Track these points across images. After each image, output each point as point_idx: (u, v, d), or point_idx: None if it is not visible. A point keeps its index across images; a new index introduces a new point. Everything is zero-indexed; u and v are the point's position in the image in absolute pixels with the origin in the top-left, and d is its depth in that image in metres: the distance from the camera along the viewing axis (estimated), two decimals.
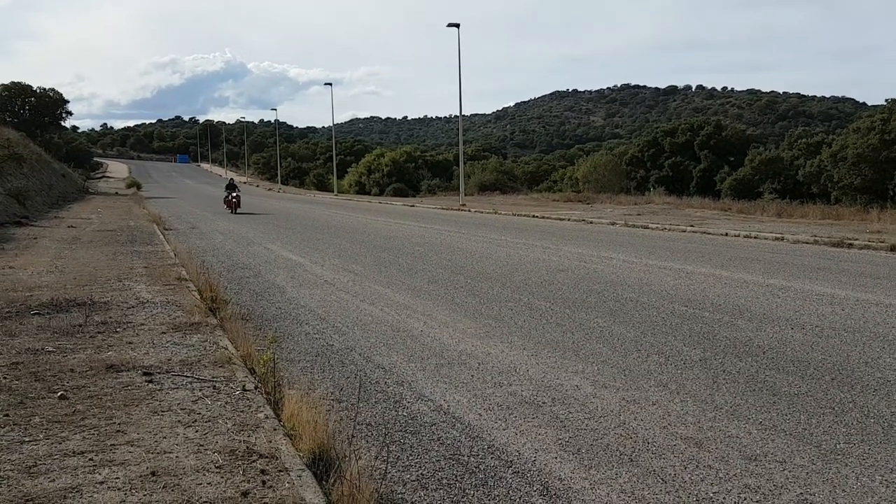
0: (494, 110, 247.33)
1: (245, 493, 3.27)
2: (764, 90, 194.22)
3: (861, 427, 4.54)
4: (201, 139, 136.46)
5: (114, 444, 3.83)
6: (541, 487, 3.76)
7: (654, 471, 3.94)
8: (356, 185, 62.13)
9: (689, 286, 9.87)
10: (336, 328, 7.54)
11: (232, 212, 29.05)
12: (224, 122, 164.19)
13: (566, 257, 13.40)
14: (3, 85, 59.02)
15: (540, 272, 11.43)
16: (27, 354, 5.67)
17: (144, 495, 3.24)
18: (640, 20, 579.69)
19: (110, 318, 7.12)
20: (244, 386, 4.88)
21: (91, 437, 3.93)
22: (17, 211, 21.04)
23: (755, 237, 16.77)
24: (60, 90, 62.59)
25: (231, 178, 34.85)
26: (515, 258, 13.37)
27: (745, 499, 3.61)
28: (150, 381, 4.96)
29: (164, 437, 3.94)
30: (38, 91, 59.74)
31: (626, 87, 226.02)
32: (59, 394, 4.65)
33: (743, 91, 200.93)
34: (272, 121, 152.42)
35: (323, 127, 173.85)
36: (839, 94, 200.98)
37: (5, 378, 5.02)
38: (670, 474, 3.89)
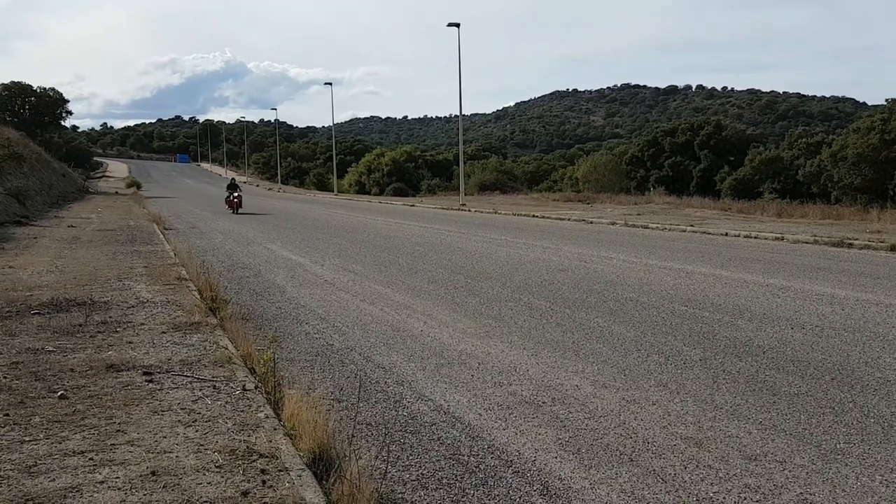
0: (494, 110, 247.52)
1: (245, 493, 3.27)
2: (764, 90, 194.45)
3: (861, 427, 4.54)
4: (201, 139, 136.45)
5: (114, 444, 3.83)
6: (541, 487, 3.76)
7: (654, 470, 3.94)
8: (356, 185, 62.13)
9: (689, 286, 9.87)
10: (336, 328, 7.55)
11: (233, 212, 28.71)
12: (224, 122, 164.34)
13: (566, 257, 13.40)
14: (2, 84, 59.09)
15: (540, 272, 11.43)
16: (27, 354, 5.68)
17: (144, 495, 3.24)
18: (640, 20, 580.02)
19: (110, 317, 7.12)
20: (244, 385, 4.88)
21: (91, 437, 3.93)
22: (17, 210, 21.04)
23: (755, 237, 16.77)
24: (60, 90, 62.52)
25: (232, 178, 34.34)
26: (515, 258, 13.37)
27: (746, 498, 3.61)
28: (151, 381, 4.97)
29: (165, 437, 3.94)
30: (37, 91, 59.78)
31: (626, 86, 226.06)
32: (59, 393, 4.65)
33: (743, 91, 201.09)
34: (272, 120, 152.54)
35: (323, 126, 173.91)
36: (839, 94, 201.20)
37: (5, 378, 5.02)
38: (670, 474, 3.89)
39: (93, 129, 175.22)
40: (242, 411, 4.39)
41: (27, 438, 3.91)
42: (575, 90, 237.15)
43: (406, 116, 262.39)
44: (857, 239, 14.90)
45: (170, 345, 6.04)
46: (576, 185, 45.86)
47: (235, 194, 29.40)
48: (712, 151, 44.82)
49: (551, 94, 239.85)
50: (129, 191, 47.02)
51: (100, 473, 3.47)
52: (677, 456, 4.12)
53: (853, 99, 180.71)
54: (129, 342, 6.12)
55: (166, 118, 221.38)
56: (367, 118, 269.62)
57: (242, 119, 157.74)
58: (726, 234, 17.50)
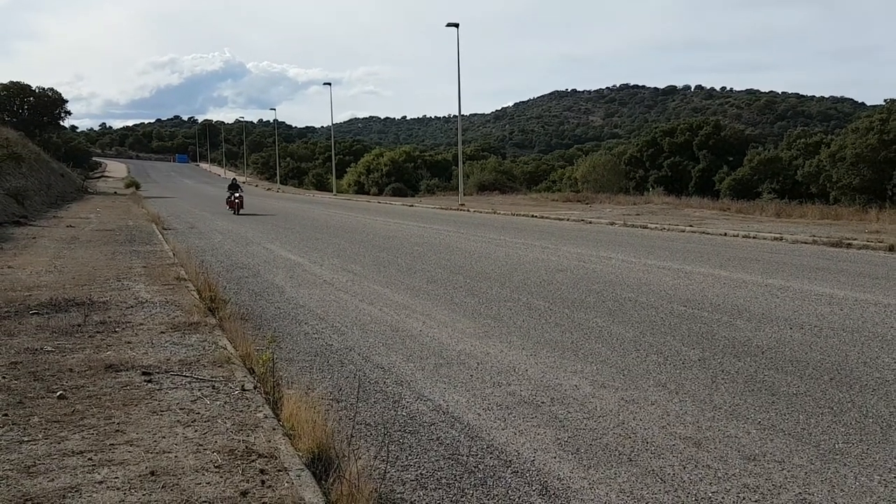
0: (493, 110, 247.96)
1: (244, 493, 3.27)
2: (763, 90, 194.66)
3: (859, 427, 4.55)
4: (200, 139, 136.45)
5: (113, 444, 3.83)
6: (540, 487, 3.76)
7: (653, 470, 3.94)
8: (355, 185, 62.13)
9: (687, 286, 9.88)
10: (335, 328, 7.55)
11: (234, 213, 28.24)
12: (223, 122, 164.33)
13: (565, 257, 13.41)
14: (1, 84, 59.04)
15: (539, 272, 11.43)
16: (26, 354, 5.67)
17: (143, 495, 3.24)
18: (640, 20, 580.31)
19: (109, 317, 7.12)
20: (243, 386, 4.88)
21: (90, 437, 3.93)
22: (16, 210, 21.02)
23: (754, 237, 16.79)
24: (59, 90, 62.85)
25: (234, 178, 33.66)
26: (514, 258, 13.37)
27: (744, 498, 3.61)
28: (149, 381, 4.96)
29: (163, 437, 3.94)
30: (36, 91, 59.75)
31: (625, 87, 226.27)
32: (58, 393, 4.65)
33: (742, 91, 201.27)
34: (271, 120, 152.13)
35: (322, 127, 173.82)
36: (838, 95, 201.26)
37: (4, 378, 5.02)
38: (669, 474, 3.89)
39: (92, 129, 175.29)
40: (241, 411, 4.39)
41: (26, 438, 3.91)
42: (574, 90, 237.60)
43: (405, 117, 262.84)
44: (855, 239, 14.91)
45: (169, 345, 6.04)
46: (575, 186, 45.89)
47: (237, 195, 28.88)
48: (711, 152, 44.86)
49: (550, 94, 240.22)
50: (128, 191, 47.01)
51: (99, 473, 3.47)
52: (676, 456, 4.13)
53: (852, 99, 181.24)
54: (128, 342, 6.11)
55: (165, 118, 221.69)
56: (366, 118, 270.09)
57: (241, 119, 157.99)
58: (725, 235, 17.51)
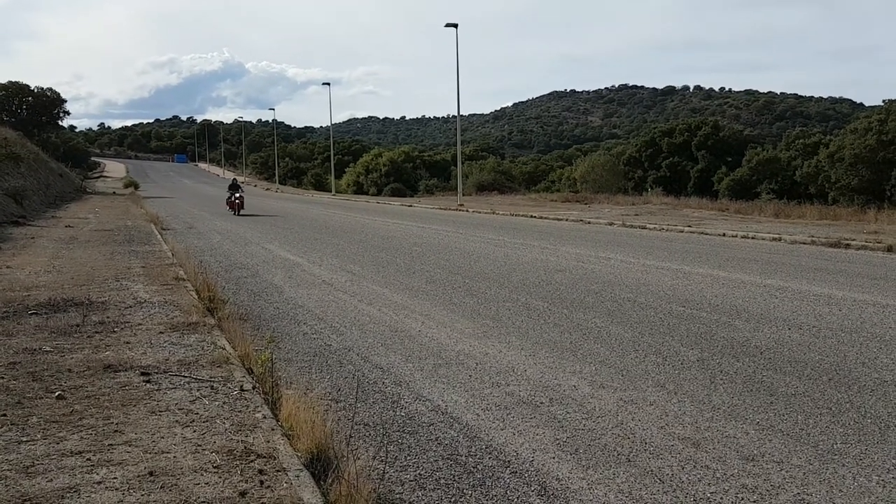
0: (492, 110, 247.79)
1: (243, 493, 3.27)
2: (762, 90, 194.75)
3: (858, 427, 4.55)
4: (199, 139, 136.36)
5: (111, 444, 3.83)
6: (538, 487, 3.76)
7: (651, 471, 3.94)
8: (354, 185, 62.15)
9: (686, 286, 9.89)
10: (334, 328, 7.54)
11: (235, 213, 27.75)
12: (222, 122, 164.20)
13: (564, 257, 13.41)
14: (0, 84, 58.94)
15: (538, 272, 11.44)
16: (25, 354, 5.67)
17: (142, 495, 3.24)
18: (639, 20, 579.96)
19: (108, 317, 7.11)
20: (242, 386, 4.88)
21: (89, 437, 3.93)
22: (15, 210, 21.01)
23: (752, 237, 16.80)
24: (58, 89, 62.64)
25: (234, 178, 32.96)
26: (513, 258, 13.38)
27: (743, 499, 3.61)
28: (148, 381, 4.96)
29: (162, 437, 3.94)
30: (35, 90, 59.72)
31: (624, 87, 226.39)
32: (56, 394, 4.64)
33: (741, 91, 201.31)
34: (270, 120, 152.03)
35: (321, 127, 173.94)
36: (837, 95, 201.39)
37: (3, 378, 5.01)
38: (668, 474, 3.90)
39: (90, 129, 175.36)
40: (240, 411, 4.39)
41: (25, 439, 3.91)
42: (573, 90, 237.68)
43: (404, 117, 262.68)
44: (854, 239, 14.93)
45: (167, 345, 6.04)
46: (573, 186, 45.94)
47: (237, 195, 28.37)
48: (710, 152, 44.92)
49: (549, 94, 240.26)
50: (127, 191, 46.97)
51: (97, 474, 3.47)
52: (675, 456, 4.13)
53: (850, 100, 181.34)
54: (127, 342, 6.11)
55: (164, 118, 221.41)
56: (365, 118, 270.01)
57: (240, 119, 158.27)
58: (724, 235, 17.53)
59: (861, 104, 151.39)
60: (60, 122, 65.78)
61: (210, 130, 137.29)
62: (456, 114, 38.19)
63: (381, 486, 3.59)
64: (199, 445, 3.83)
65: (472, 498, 3.65)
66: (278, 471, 3.53)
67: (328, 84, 60.74)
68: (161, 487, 3.32)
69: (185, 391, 4.77)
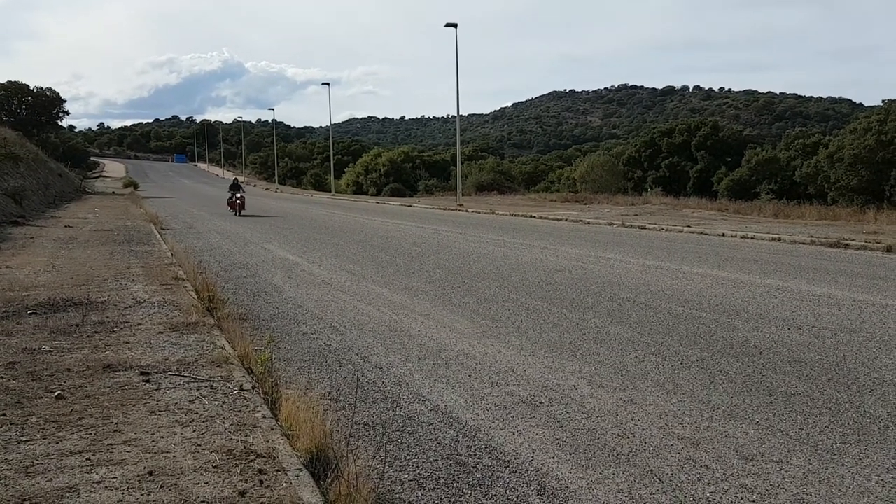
0: (492, 110, 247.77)
1: (242, 493, 3.27)
2: (761, 91, 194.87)
3: (857, 427, 4.55)
4: (198, 139, 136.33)
5: (111, 444, 3.83)
6: (538, 487, 3.76)
7: (651, 471, 3.94)
8: (353, 185, 62.13)
9: (686, 286, 9.89)
10: (333, 328, 7.54)
11: (236, 214, 27.23)
12: (221, 122, 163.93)
13: (563, 257, 13.42)
14: None
15: (537, 272, 11.44)
16: (24, 354, 5.67)
17: (142, 495, 3.24)
18: (639, 20, 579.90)
19: (107, 317, 7.11)
20: (241, 386, 4.88)
21: (88, 437, 3.92)
22: (14, 210, 21.00)
23: (752, 238, 16.81)
24: (57, 89, 62.43)
25: (235, 178, 32.47)
26: (513, 258, 13.38)
27: (742, 498, 3.62)
28: (148, 381, 4.96)
29: (162, 437, 3.93)
30: (34, 90, 59.67)
31: (624, 87, 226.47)
32: (56, 393, 4.64)
33: (740, 92, 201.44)
34: (269, 120, 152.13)
35: (320, 127, 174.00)
36: (836, 95, 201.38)
37: (2, 378, 5.01)
38: (667, 474, 3.90)
39: (90, 128, 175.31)
40: (240, 411, 4.39)
41: (24, 438, 3.91)
42: (572, 91, 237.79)
43: (403, 117, 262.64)
44: (853, 240, 14.94)
45: (167, 345, 6.04)
46: (573, 186, 45.95)
47: (238, 195, 27.88)
48: (709, 152, 44.95)
49: (549, 94, 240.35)
50: (126, 191, 46.95)
51: (97, 473, 3.47)
52: (674, 456, 4.13)
53: (850, 100, 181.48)
54: (127, 342, 6.11)
55: (163, 118, 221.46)
56: (364, 118, 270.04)
57: (240, 119, 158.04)
58: (723, 235, 17.53)
59: (860, 104, 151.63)
60: (60, 122, 65.73)
61: (209, 130, 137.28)
62: (455, 114, 38.21)
63: (381, 486, 3.59)
64: (199, 445, 3.83)
65: (471, 497, 3.65)
66: (278, 470, 3.53)
67: (328, 84, 61.03)
68: (161, 487, 3.32)
69: (185, 391, 4.77)
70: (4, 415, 4.27)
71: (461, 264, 12.51)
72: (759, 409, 4.91)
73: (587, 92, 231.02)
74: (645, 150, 48.82)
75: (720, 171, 42.23)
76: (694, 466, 3.99)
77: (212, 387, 4.86)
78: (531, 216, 25.73)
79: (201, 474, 3.47)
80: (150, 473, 3.46)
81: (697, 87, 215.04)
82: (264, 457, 3.69)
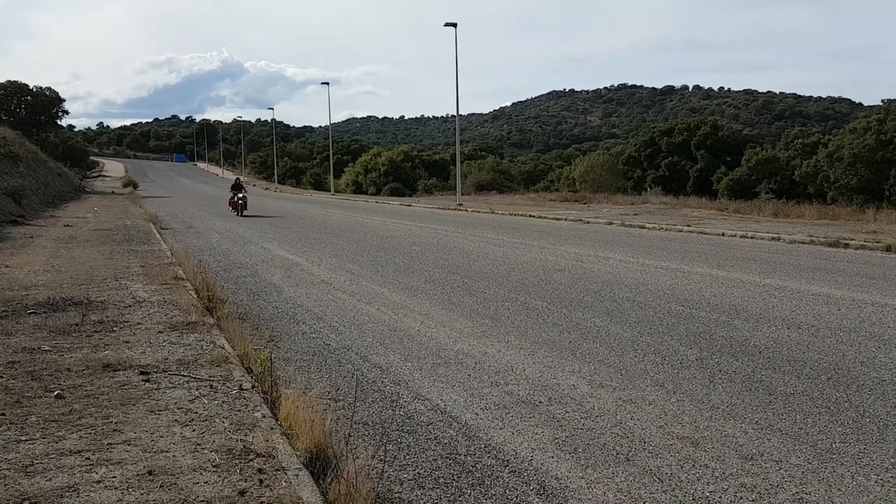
0: (491, 110, 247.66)
1: (242, 492, 3.27)
2: (760, 90, 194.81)
3: (857, 426, 4.56)
4: (198, 138, 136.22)
5: (111, 444, 3.83)
6: (537, 487, 3.77)
7: (650, 470, 3.95)
8: (353, 185, 62.12)
9: (685, 286, 9.89)
10: (333, 327, 7.54)
11: (238, 214, 26.71)
12: (220, 122, 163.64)
13: (563, 257, 13.42)
14: None
15: (537, 272, 11.44)
16: (24, 353, 5.67)
17: (141, 494, 3.24)
18: (639, 20, 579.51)
19: (107, 317, 7.11)
20: (241, 385, 4.88)
21: (88, 437, 3.92)
22: (13, 210, 20.99)
23: (752, 237, 16.81)
24: (57, 89, 62.57)
25: (237, 178, 31.81)
26: (512, 258, 13.38)
27: (742, 498, 3.62)
28: (147, 381, 4.96)
29: (161, 437, 3.94)
30: (34, 90, 59.69)
31: (623, 86, 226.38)
32: (55, 393, 4.64)
33: (740, 91, 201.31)
34: (269, 120, 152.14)
35: (320, 126, 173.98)
36: (836, 95, 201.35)
37: (2, 377, 5.01)
38: (667, 473, 3.90)
39: (89, 128, 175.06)
40: (239, 411, 4.39)
41: (24, 438, 3.91)
42: (572, 90, 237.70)
43: (403, 116, 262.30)
44: (853, 239, 14.94)
45: (166, 344, 6.04)
46: (572, 185, 45.92)
47: (240, 195, 27.32)
48: (709, 151, 44.94)
49: (548, 94, 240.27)
50: (126, 190, 46.92)
51: (96, 473, 3.47)
52: (674, 455, 4.13)
53: (849, 99, 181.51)
54: (126, 342, 6.11)
55: (163, 118, 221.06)
56: (364, 118, 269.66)
57: (239, 119, 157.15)
58: (723, 235, 17.54)
59: (860, 104, 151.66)
60: (59, 122, 65.77)
61: (209, 130, 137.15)
62: (455, 113, 38.21)
63: (380, 485, 3.59)
64: (199, 444, 3.83)
65: (470, 497, 3.65)
66: (277, 470, 3.53)
67: (327, 84, 60.95)
68: (160, 486, 3.32)
69: (185, 390, 4.77)
70: (4, 414, 4.27)
71: (460, 264, 12.51)
72: (759, 408, 4.91)
73: (587, 91, 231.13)
74: (644, 150, 48.81)
75: (720, 170, 42.22)
76: (693, 466, 3.99)
77: (211, 386, 4.86)
78: (530, 216, 25.73)
79: (201, 474, 3.47)
80: (150, 473, 3.46)
81: (697, 87, 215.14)
82: (264, 456, 3.69)
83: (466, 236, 18.23)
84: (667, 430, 4.53)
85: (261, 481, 3.40)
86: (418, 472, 3.93)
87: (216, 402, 4.55)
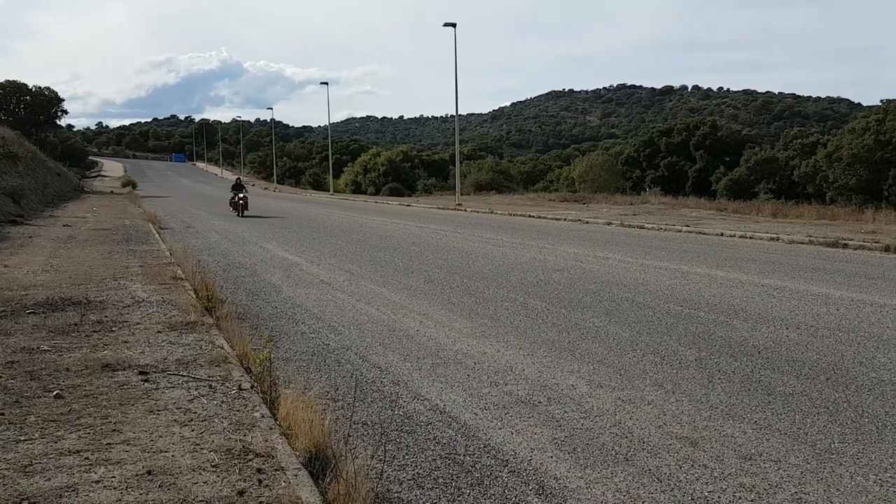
0: (491, 110, 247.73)
1: (241, 492, 3.27)
2: (759, 90, 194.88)
3: (855, 426, 4.56)
4: (197, 138, 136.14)
5: (110, 444, 3.83)
6: (536, 487, 3.77)
7: (649, 470, 3.95)
8: (352, 185, 62.10)
9: (684, 286, 9.90)
10: (332, 327, 7.54)
11: (238, 214, 26.32)
12: (220, 122, 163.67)
13: (562, 257, 13.42)
14: None
15: (536, 272, 11.44)
16: (23, 353, 5.66)
17: (140, 494, 3.24)
18: (639, 20, 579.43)
19: (106, 317, 7.11)
20: (240, 385, 4.88)
21: (87, 436, 3.92)
22: (13, 210, 20.98)
23: (750, 237, 16.82)
24: (56, 89, 62.75)
25: (238, 178, 31.45)
26: (511, 258, 13.38)
27: (741, 498, 3.62)
28: (146, 381, 4.96)
29: (160, 437, 3.93)
30: (33, 89, 59.72)
31: (622, 87, 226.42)
32: (54, 393, 4.64)
33: (739, 91, 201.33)
34: (268, 120, 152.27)
35: (319, 126, 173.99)
36: (835, 95, 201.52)
37: (1, 377, 5.01)
38: (666, 473, 3.90)
39: (88, 128, 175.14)
40: (238, 411, 4.39)
41: (23, 438, 3.91)
42: (571, 90, 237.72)
43: (402, 116, 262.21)
44: (851, 239, 14.95)
45: (165, 344, 6.04)
46: (572, 186, 45.94)
47: (241, 195, 26.88)
48: (708, 152, 44.96)
49: (547, 94, 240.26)
50: (125, 190, 46.88)
51: (95, 473, 3.47)
52: (673, 455, 4.14)
53: (848, 99, 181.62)
54: (125, 341, 6.11)
55: (162, 117, 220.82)
56: (363, 118, 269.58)
57: (238, 118, 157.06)
58: (722, 235, 17.54)
59: (859, 104, 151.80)
60: (58, 122, 65.88)
61: (208, 130, 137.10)
62: (454, 113, 38.22)
63: (380, 485, 3.59)
64: (198, 444, 3.83)
65: (470, 497, 3.66)
66: (276, 470, 3.53)
67: (326, 84, 61.01)
68: (159, 486, 3.32)
69: (184, 390, 4.77)
70: (3, 414, 4.26)
71: (460, 264, 12.51)
72: (758, 408, 4.91)
73: (586, 92, 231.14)
74: (643, 150, 48.82)
75: (719, 170, 42.25)
76: (692, 466, 3.99)
77: (210, 386, 4.86)
78: (530, 216, 25.73)
79: (200, 473, 3.47)
80: (149, 473, 3.46)
81: (696, 87, 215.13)
82: (263, 456, 3.69)
83: (465, 236, 18.23)
84: (666, 429, 4.53)
85: (260, 481, 3.40)
86: (417, 472, 3.94)
87: (215, 401, 4.55)
